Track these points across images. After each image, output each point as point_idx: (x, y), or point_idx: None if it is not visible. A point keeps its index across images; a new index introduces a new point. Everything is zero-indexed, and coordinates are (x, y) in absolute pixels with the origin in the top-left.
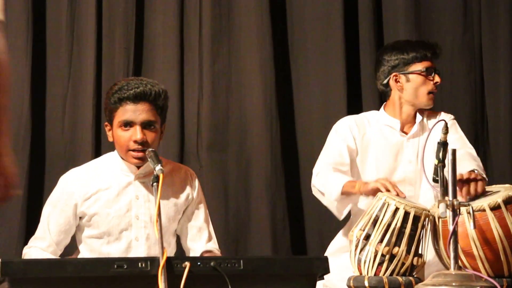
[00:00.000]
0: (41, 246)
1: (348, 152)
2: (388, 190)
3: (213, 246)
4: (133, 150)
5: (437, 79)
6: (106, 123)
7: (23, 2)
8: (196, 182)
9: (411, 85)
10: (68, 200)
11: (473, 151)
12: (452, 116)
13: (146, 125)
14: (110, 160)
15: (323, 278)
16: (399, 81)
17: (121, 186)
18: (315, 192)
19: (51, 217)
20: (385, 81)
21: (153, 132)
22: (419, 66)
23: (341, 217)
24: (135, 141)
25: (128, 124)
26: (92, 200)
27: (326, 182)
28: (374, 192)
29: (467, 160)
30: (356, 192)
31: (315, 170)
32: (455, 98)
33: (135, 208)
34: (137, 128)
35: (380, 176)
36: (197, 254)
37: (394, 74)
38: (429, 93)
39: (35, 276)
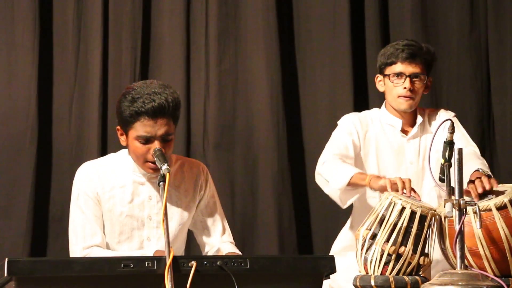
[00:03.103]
0: (97, 243)
1: (353, 146)
2: (396, 190)
3: (228, 239)
4: (151, 162)
5: (406, 84)
6: (118, 127)
7: (30, 1)
8: (209, 176)
9: (386, 88)
10: (92, 188)
11: (476, 149)
12: (453, 114)
13: (164, 137)
14: (122, 160)
15: (329, 278)
16: (381, 82)
17: (135, 186)
18: (318, 180)
19: (87, 210)
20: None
21: (171, 141)
22: (390, 70)
23: (344, 206)
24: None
25: (147, 139)
26: (107, 196)
27: (334, 170)
28: (384, 188)
29: (471, 160)
30: (365, 185)
31: (321, 159)
32: (462, 97)
33: (148, 208)
34: (156, 143)
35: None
36: (213, 248)
37: (376, 76)
38: (400, 96)
39: (41, 275)
